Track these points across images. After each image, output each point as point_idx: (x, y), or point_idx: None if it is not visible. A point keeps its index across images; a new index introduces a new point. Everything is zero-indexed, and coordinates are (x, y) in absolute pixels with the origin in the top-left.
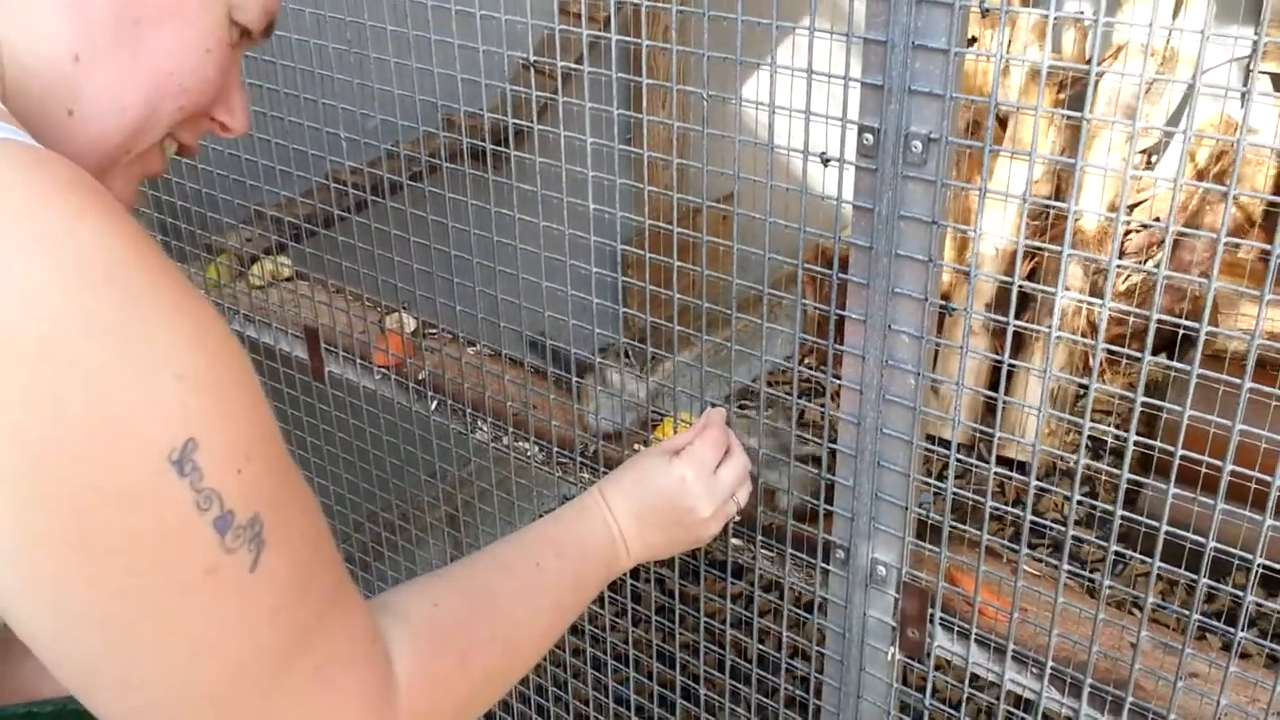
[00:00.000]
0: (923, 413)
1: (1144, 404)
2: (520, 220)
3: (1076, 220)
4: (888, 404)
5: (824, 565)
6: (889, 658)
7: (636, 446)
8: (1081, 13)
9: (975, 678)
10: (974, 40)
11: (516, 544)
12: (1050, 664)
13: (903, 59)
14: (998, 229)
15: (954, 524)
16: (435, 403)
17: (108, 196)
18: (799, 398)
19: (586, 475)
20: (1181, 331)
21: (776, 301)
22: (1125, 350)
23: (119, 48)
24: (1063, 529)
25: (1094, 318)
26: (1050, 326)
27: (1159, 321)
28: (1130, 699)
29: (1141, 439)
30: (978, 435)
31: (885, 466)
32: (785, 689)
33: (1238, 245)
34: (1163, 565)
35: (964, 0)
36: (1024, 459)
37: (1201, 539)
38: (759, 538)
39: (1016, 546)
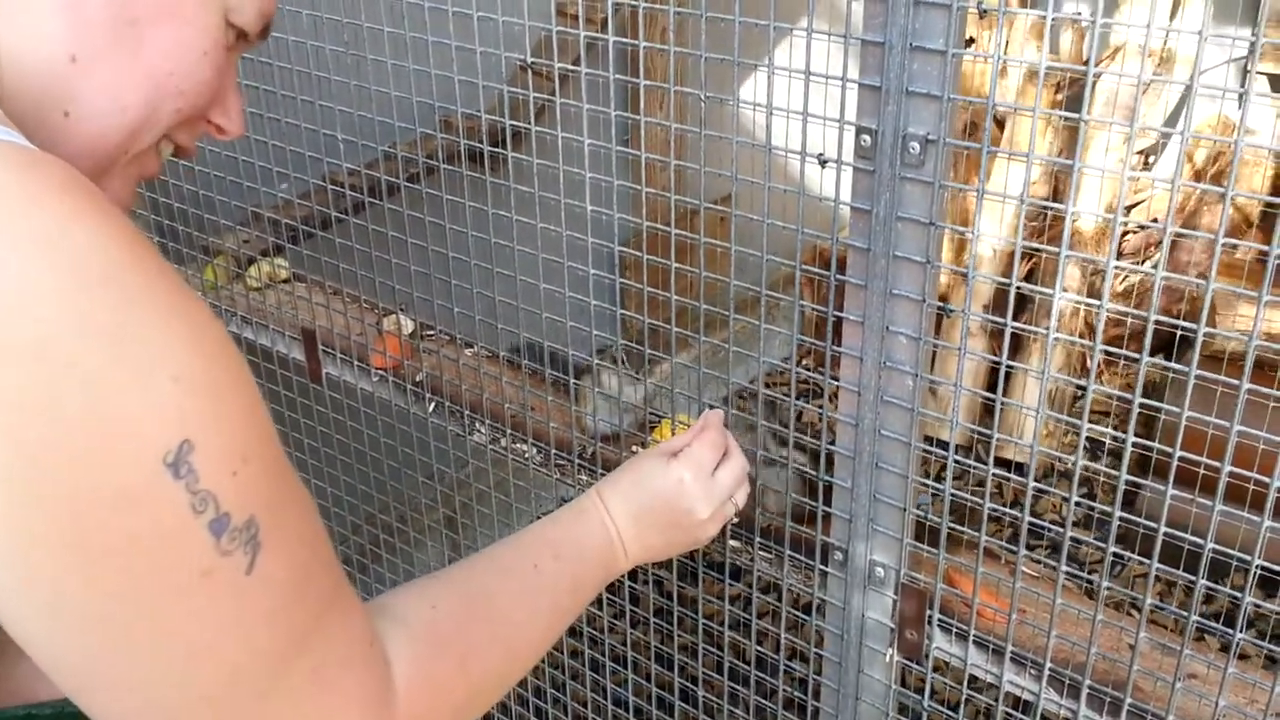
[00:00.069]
0: (921, 414)
1: (1142, 405)
2: (518, 222)
3: (1074, 221)
4: (886, 405)
5: (822, 567)
6: (887, 659)
7: (634, 448)
8: (1079, 14)
9: (974, 679)
10: (971, 41)
11: (514, 546)
12: (1049, 665)
13: (900, 60)
14: (995, 230)
15: (952, 525)
16: (433, 405)
17: (103, 198)
18: (797, 399)
19: (584, 477)
20: (1179, 333)
21: (774, 303)
22: (1123, 351)
23: (116, 48)
24: (1061, 530)
25: (1092, 319)
26: (1048, 328)
27: (1156, 322)
28: (1129, 700)
29: (1140, 440)
30: (976, 436)
31: (883, 468)
32: (783, 690)
33: (1235, 246)
34: (1161, 566)
35: (961, 1)
36: (1022, 460)
37: (1200, 540)
38: (757, 539)
39: (1015, 548)
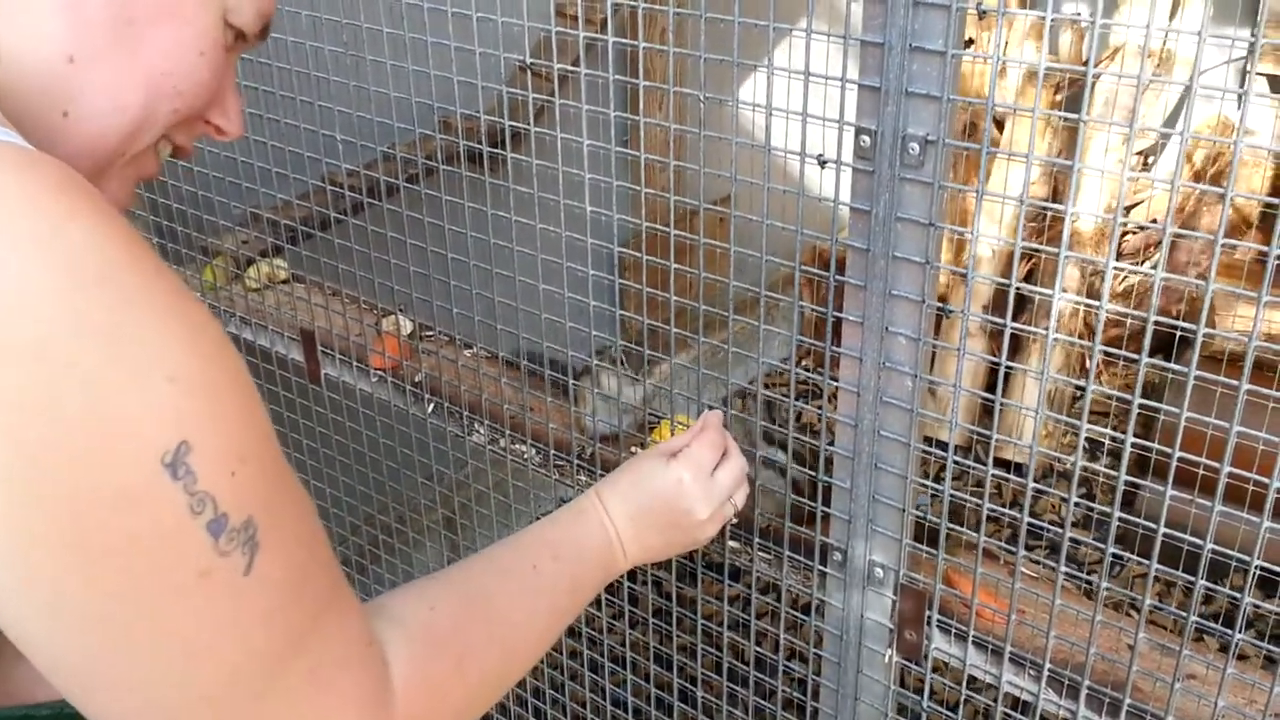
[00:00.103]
0: (920, 415)
1: (1141, 405)
2: (517, 222)
3: (1073, 222)
4: (885, 406)
5: (821, 567)
6: (886, 660)
7: (633, 449)
8: (1079, 14)
9: (973, 680)
10: (970, 42)
11: (513, 547)
12: (1048, 665)
13: (900, 61)
14: (994, 230)
15: (951, 526)
16: (432, 405)
17: (100, 198)
18: (796, 400)
19: (583, 478)
20: (1179, 333)
21: (774, 303)
22: (1122, 352)
23: (115, 49)
24: (1060, 531)
25: (1090, 319)
26: (1047, 328)
27: (1155, 323)
28: (1128, 700)
29: (1139, 440)
30: (975, 437)
31: (882, 469)
32: (782, 691)
33: (1234, 246)
34: (1160, 567)
35: (961, 2)
36: (1021, 460)
37: (1199, 540)
38: (756, 540)
39: (1014, 548)
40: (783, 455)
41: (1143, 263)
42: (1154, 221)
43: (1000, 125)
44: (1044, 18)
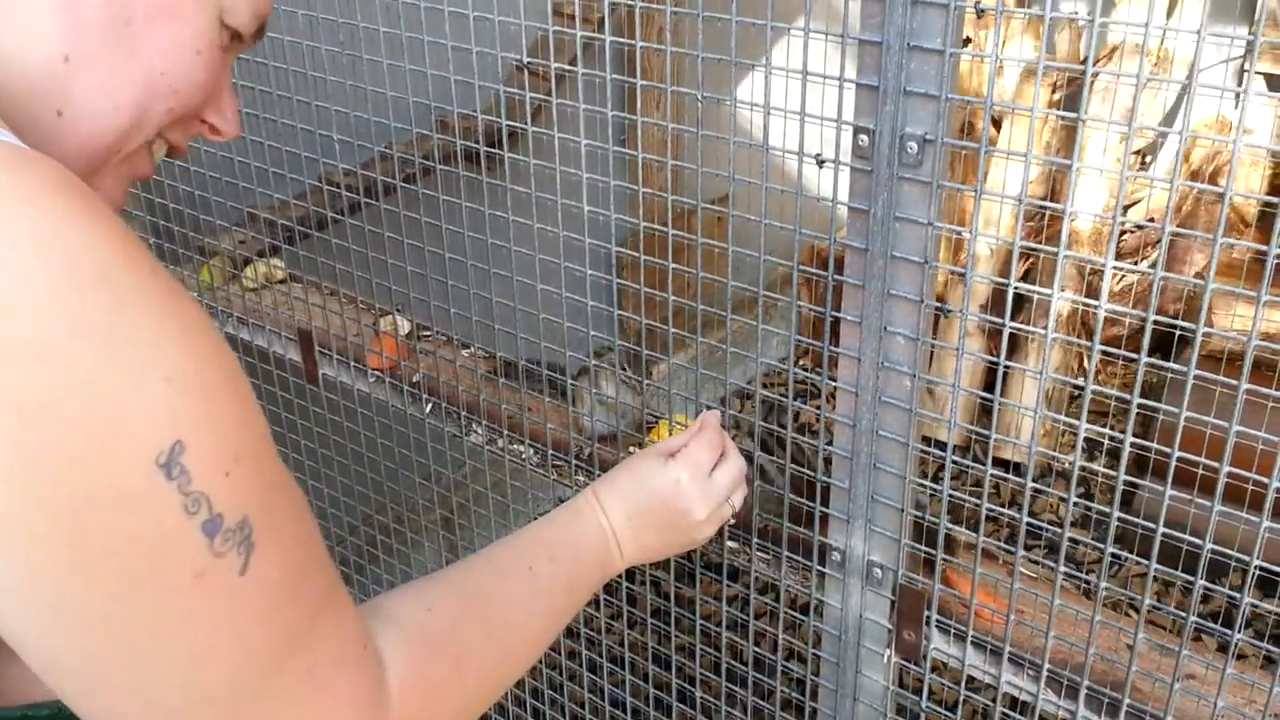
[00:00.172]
0: (918, 414)
1: (1140, 405)
2: (514, 222)
3: (1071, 221)
4: (883, 406)
5: (820, 568)
6: (885, 660)
7: (631, 449)
8: (1076, 13)
9: (971, 680)
10: (968, 41)
11: (510, 547)
12: (1047, 666)
13: (898, 60)
14: (992, 230)
15: (950, 526)
16: (430, 405)
17: (95, 198)
18: (794, 400)
19: (581, 478)
20: (1178, 332)
21: (772, 303)
22: (1121, 351)
23: (111, 48)
24: (1058, 530)
25: (1088, 319)
26: (1045, 327)
27: (1154, 322)
28: (1127, 701)
29: (1137, 440)
30: (973, 437)
31: (881, 468)
32: (781, 691)
33: (1232, 246)
34: (1159, 567)
35: (959, 1)
36: (1020, 460)
37: (1198, 540)
38: (755, 540)
39: (1012, 548)
40: (765, 455)
41: (1139, 262)
42: (1151, 220)
43: (997, 124)
44: (1042, 16)
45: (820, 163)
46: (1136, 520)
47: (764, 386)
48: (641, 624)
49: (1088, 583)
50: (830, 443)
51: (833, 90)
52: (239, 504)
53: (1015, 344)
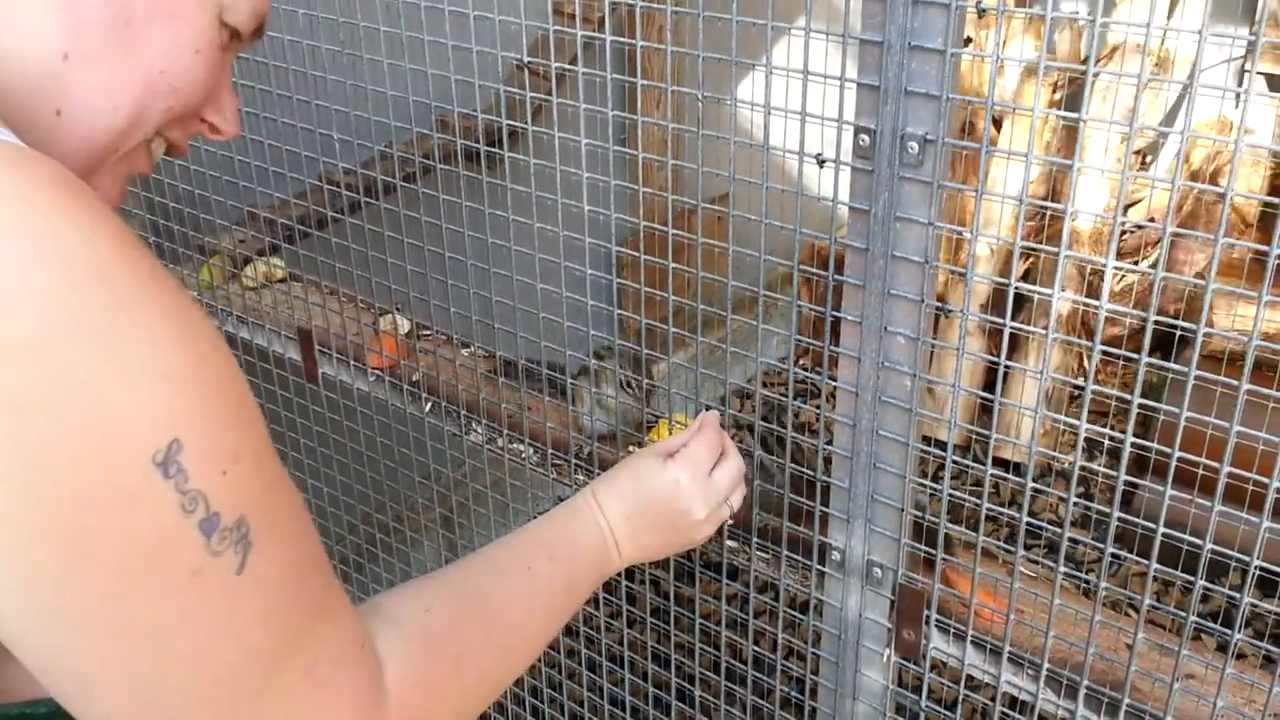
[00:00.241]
0: (919, 414)
1: (1140, 404)
2: (514, 221)
3: (1072, 221)
4: (883, 405)
5: (819, 567)
6: (884, 659)
7: (631, 448)
8: (1077, 13)
9: (971, 679)
10: (968, 40)
11: (509, 546)
12: (1046, 665)
13: (899, 60)
14: (993, 229)
15: (950, 525)
16: (429, 404)
17: (94, 197)
18: (794, 399)
19: (581, 477)
20: (1178, 332)
21: (772, 303)
22: (1121, 351)
23: (110, 47)
24: (1058, 530)
25: (1088, 318)
26: (1046, 327)
27: (1154, 322)
28: (1126, 700)
29: (1137, 440)
30: (973, 436)
31: (881, 468)
32: (780, 690)
33: (1233, 246)
34: (1159, 567)
35: (960, 1)
36: (1020, 460)
37: (1197, 540)
38: (754, 540)
39: (1012, 548)
40: (766, 454)
41: (1139, 262)
42: (1152, 220)
43: (998, 124)
44: (1044, 16)
45: (821, 162)
46: (1136, 520)
47: (764, 386)
48: (641, 622)
49: (1087, 582)
50: (830, 442)
51: (833, 90)
52: (236, 503)
53: (1015, 344)
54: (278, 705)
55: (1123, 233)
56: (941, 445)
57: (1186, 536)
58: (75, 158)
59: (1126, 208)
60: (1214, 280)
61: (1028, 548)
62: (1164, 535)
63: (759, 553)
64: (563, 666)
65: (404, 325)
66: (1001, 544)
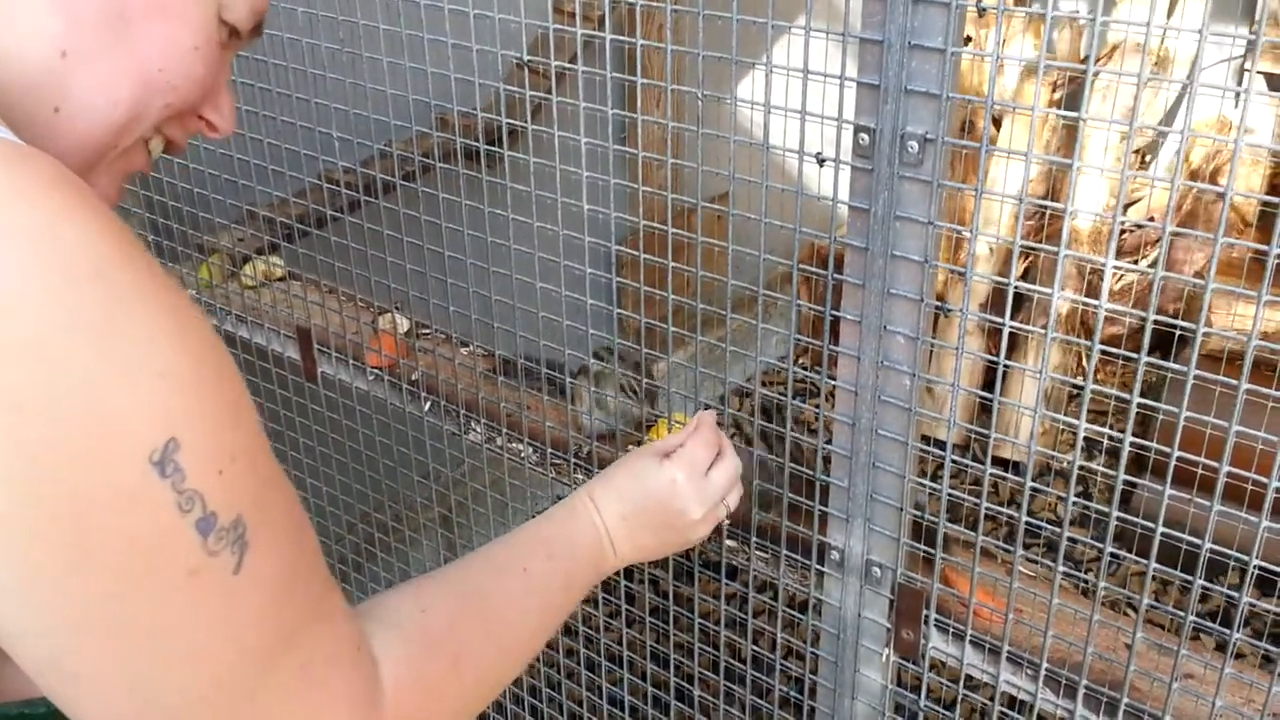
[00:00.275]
0: (918, 414)
1: (1139, 404)
2: (514, 220)
3: (1071, 220)
4: (883, 405)
5: (818, 566)
6: (883, 659)
7: (630, 448)
8: (1077, 12)
9: (970, 679)
10: (968, 39)
11: (506, 546)
12: (1045, 665)
13: (899, 59)
14: (992, 228)
15: (949, 525)
16: (428, 403)
17: (91, 194)
18: (793, 398)
19: (580, 476)
20: (1178, 332)
21: (771, 302)
22: (1120, 351)
23: (108, 44)
24: (1057, 529)
25: (1087, 317)
26: (1045, 327)
27: (1154, 321)
28: (1125, 700)
29: (1136, 439)
30: (972, 436)
31: (880, 467)
32: (779, 689)
33: (1232, 245)
34: (1157, 566)
35: (961, 0)
36: (1019, 459)
37: (1196, 539)
38: (753, 539)
39: (1011, 547)
40: (766, 453)
41: (1138, 261)
42: (1151, 219)
43: (997, 123)
44: (1044, 15)
45: (821, 161)
46: (1135, 519)
47: (763, 385)
48: (640, 622)
49: (1086, 582)
50: (829, 441)
51: (833, 89)
52: (233, 502)
53: (1014, 343)
54: (274, 704)
55: (1122, 232)
56: (941, 444)
57: (1185, 536)
58: (73, 155)
59: (1126, 207)
60: (1213, 280)
61: (1027, 547)
62: (1163, 534)
63: (758, 552)
64: (562, 666)
65: (403, 324)
66: (1001, 543)
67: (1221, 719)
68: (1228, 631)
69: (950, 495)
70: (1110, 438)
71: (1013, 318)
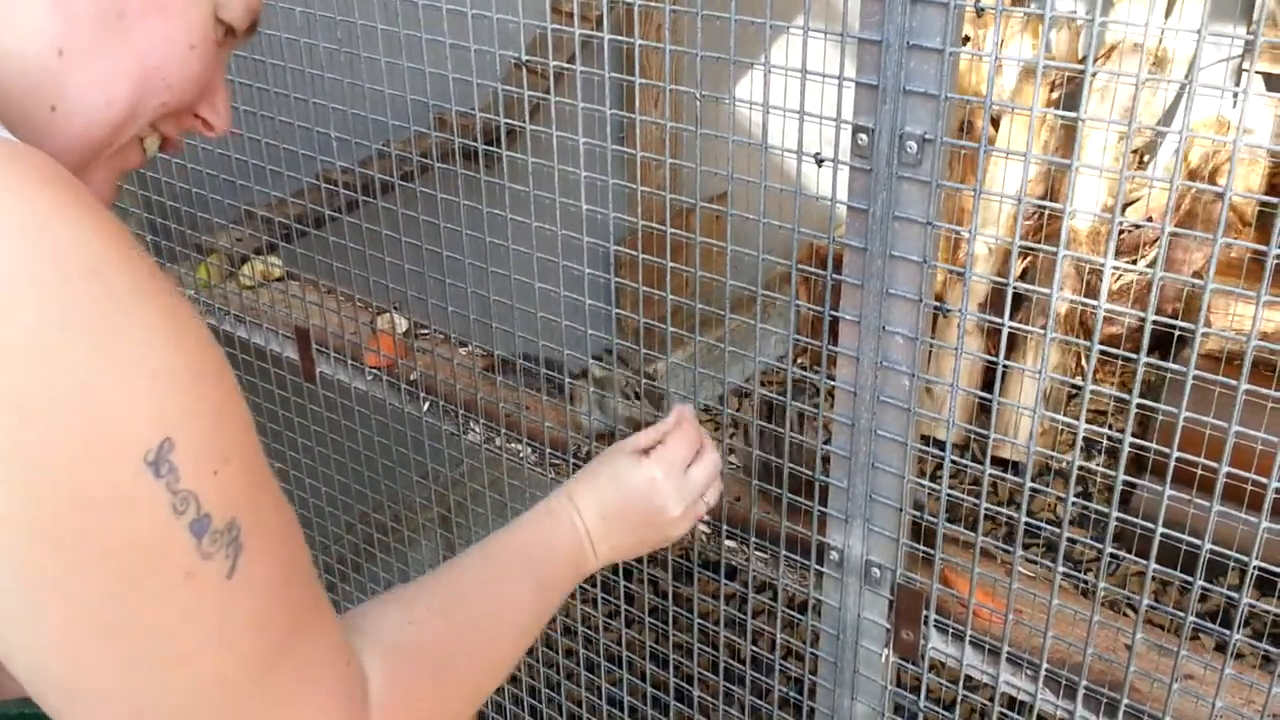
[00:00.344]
0: (917, 414)
1: (1138, 404)
2: (512, 220)
3: (1070, 220)
4: (882, 405)
5: (818, 567)
6: (883, 659)
7: None
8: (1075, 12)
9: (969, 679)
10: (967, 39)
11: (485, 553)
12: (1045, 665)
13: (897, 59)
14: (991, 228)
15: (948, 525)
16: (427, 404)
17: (85, 192)
18: (792, 398)
19: None
20: (1177, 332)
21: (770, 302)
22: (1119, 351)
23: (104, 42)
24: (1057, 530)
25: (1086, 317)
26: (1044, 327)
27: (1153, 321)
28: (1125, 700)
29: (1136, 439)
30: (972, 436)
31: (879, 468)
32: (779, 690)
33: (1231, 245)
34: (1157, 566)
35: (959, 0)
36: (1018, 459)
37: (1196, 540)
38: (753, 539)
39: (1010, 547)
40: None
41: (1136, 261)
42: (1149, 219)
43: (996, 123)
44: (1042, 15)
45: (819, 161)
46: (1135, 520)
47: (762, 385)
48: (639, 622)
49: (1086, 582)
50: (828, 442)
51: (832, 89)
52: (228, 505)
53: (1013, 343)
54: (270, 707)
55: (1121, 232)
56: (940, 445)
57: (1185, 536)
58: (69, 153)
59: (1124, 207)
60: (1212, 280)
61: (1026, 547)
62: (1162, 535)
63: (757, 552)
64: (561, 666)
65: (402, 324)
66: (1000, 544)
67: (1221, 719)
68: (1227, 632)
69: (949, 495)
70: (1109, 438)
71: (1012, 318)
